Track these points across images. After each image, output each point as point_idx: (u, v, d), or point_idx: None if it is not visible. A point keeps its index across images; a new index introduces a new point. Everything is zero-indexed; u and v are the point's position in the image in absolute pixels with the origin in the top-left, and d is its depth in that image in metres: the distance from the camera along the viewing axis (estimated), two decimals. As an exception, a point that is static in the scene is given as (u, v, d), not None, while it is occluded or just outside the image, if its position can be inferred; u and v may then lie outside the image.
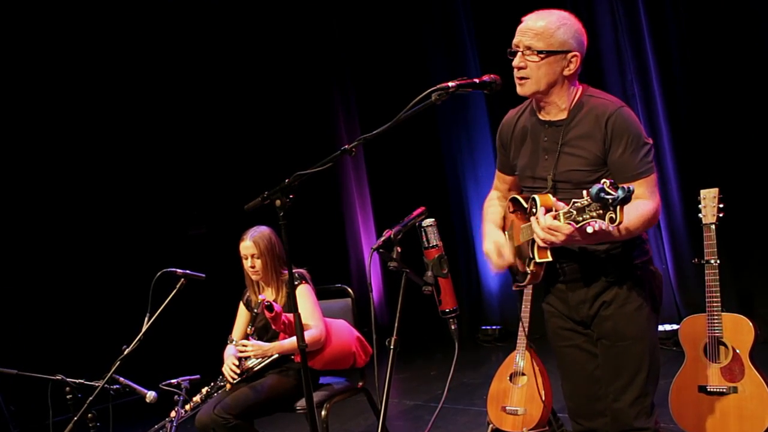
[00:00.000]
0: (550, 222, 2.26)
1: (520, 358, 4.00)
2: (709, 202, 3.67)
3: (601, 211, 2.07)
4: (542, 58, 2.49)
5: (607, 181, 2.04)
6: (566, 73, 2.53)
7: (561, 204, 2.29)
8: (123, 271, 6.95)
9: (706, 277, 3.58)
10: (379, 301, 7.53)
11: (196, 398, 3.78)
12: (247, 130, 8.00)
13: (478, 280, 7.26)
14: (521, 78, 2.53)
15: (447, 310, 2.42)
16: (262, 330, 3.85)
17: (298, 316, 2.74)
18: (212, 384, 3.84)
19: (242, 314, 4.08)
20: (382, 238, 2.30)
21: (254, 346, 3.68)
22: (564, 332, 2.78)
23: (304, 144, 7.64)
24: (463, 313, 7.24)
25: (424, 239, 2.40)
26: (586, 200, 2.11)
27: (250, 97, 7.98)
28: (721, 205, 3.64)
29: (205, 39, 7.71)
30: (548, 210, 2.31)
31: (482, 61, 6.74)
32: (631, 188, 2.03)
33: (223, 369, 3.82)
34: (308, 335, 3.61)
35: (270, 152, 7.74)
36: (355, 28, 7.80)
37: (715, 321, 3.53)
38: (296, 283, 3.80)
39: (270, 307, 3.51)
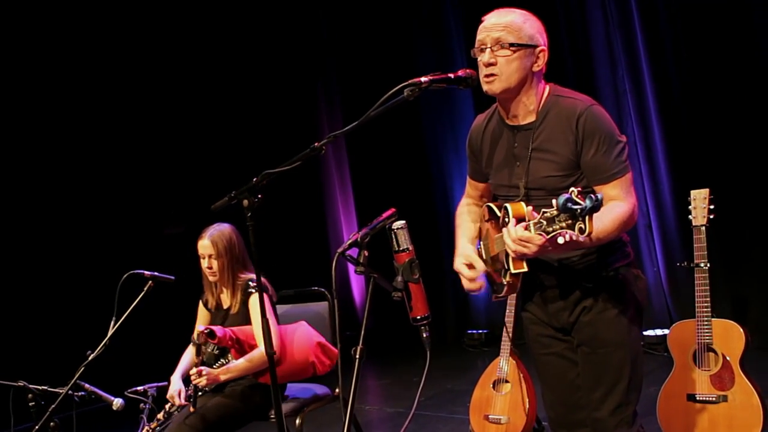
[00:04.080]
0: (521, 233, 2.15)
1: (504, 365, 3.89)
2: (699, 203, 3.59)
3: (570, 221, 1.96)
4: (513, 52, 2.40)
5: (575, 190, 1.94)
6: (535, 69, 2.45)
7: (534, 213, 2.18)
8: (90, 271, 6.69)
9: (695, 282, 3.52)
10: (361, 304, 7.40)
11: (160, 415, 3.61)
12: (227, 124, 7.79)
13: (465, 284, 7.12)
14: (490, 75, 2.43)
15: (418, 317, 2.29)
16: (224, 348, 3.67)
17: (265, 322, 2.60)
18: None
19: (202, 315, 3.88)
20: (349, 241, 2.17)
21: (208, 376, 3.43)
22: (544, 339, 2.68)
23: (286, 140, 7.48)
24: (449, 317, 7.16)
25: (395, 243, 2.28)
26: (555, 210, 2.00)
27: (231, 91, 7.78)
28: (711, 207, 3.56)
29: (183, 32, 7.50)
30: (521, 219, 2.21)
31: (469, 56, 6.59)
32: (600, 196, 1.92)
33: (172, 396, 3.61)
34: (258, 353, 3.47)
35: (251, 148, 7.55)
36: (341, 22, 7.67)
37: (705, 327, 3.46)
38: (251, 290, 3.60)
39: (212, 334, 3.34)
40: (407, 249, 2.26)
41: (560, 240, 2.03)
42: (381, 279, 2.18)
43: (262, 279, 3.57)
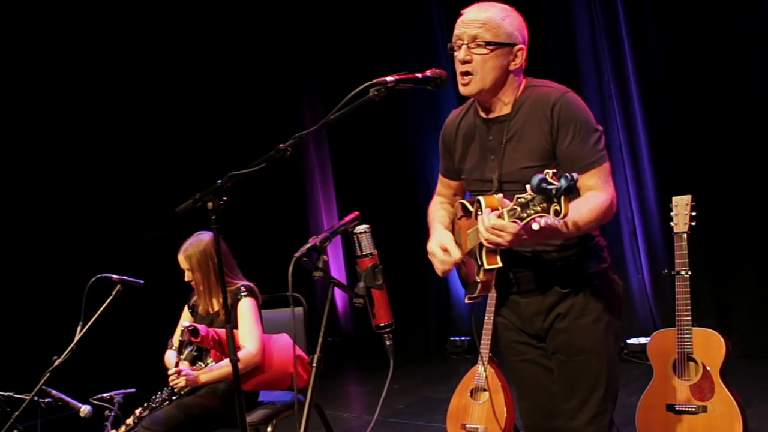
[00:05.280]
0: (495, 221, 2.08)
1: (482, 373, 3.81)
2: (681, 209, 3.53)
3: (545, 204, 1.89)
4: (491, 51, 2.34)
5: (550, 171, 1.88)
6: (512, 67, 2.39)
7: (507, 201, 2.12)
8: (57, 275, 6.40)
9: (676, 290, 3.47)
10: (343, 310, 7.30)
11: (129, 420, 3.53)
12: (210, 122, 7.61)
13: (447, 289, 7.06)
14: (465, 73, 2.37)
15: (381, 324, 2.21)
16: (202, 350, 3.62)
17: (230, 330, 2.54)
18: (145, 404, 3.58)
19: (185, 319, 3.86)
20: (307, 246, 2.09)
21: (187, 378, 3.39)
22: (518, 346, 2.61)
23: (269, 142, 7.35)
24: (432, 324, 7.07)
25: (357, 247, 2.20)
26: (529, 194, 1.94)
27: (214, 90, 7.60)
28: (694, 213, 3.49)
29: (163, 28, 7.31)
30: (494, 211, 2.13)
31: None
32: (575, 176, 1.86)
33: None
34: (241, 356, 3.38)
35: (235, 147, 7.37)
36: (326, 21, 7.57)
37: (685, 336, 3.40)
38: (240, 296, 3.60)
39: (195, 332, 3.29)
40: (370, 254, 2.19)
41: (535, 226, 1.97)
42: (341, 284, 2.10)
43: (252, 285, 3.67)
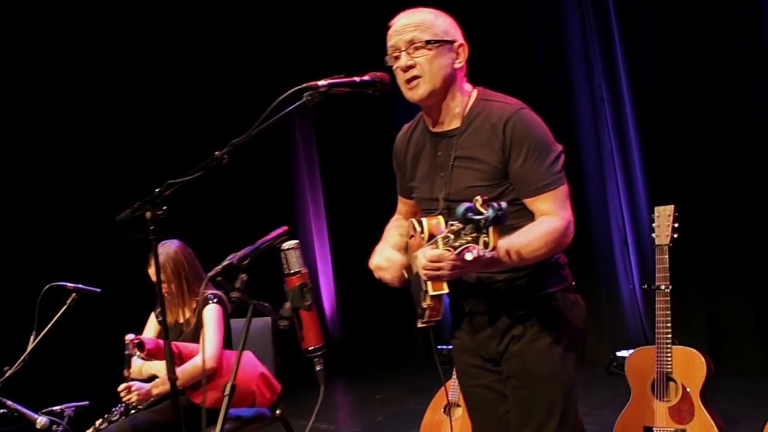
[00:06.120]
0: (430, 253, 1.94)
1: (456, 388, 3.66)
2: (663, 220, 3.39)
3: (475, 234, 1.74)
4: (431, 49, 2.20)
5: (480, 198, 1.74)
6: (457, 65, 2.26)
7: (441, 227, 1.99)
8: (9, 282, 5.81)
9: (656, 305, 3.29)
10: (331, 315, 7.15)
11: None
12: (198, 122, 7.41)
13: (434, 297, 6.88)
14: (412, 79, 2.22)
15: (311, 348, 2.05)
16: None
17: (168, 344, 2.41)
18: (105, 416, 3.48)
19: (152, 327, 3.77)
20: (223, 264, 1.93)
21: (139, 392, 3.32)
22: (472, 370, 2.49)
23: (259, 140, 7.18)
24: (419, 333, 6.88)
25: (285, 265, 2.04)
26: (460, 222, 1.79)
27: (202, 85, 7.36)
28: (676, 225, 3.31)
29: (151, 25, 7.11)
30: (434, 235, 2.00)
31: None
32: (503, 205, 1.72)
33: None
34: (192, 363, 3.34)
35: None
36: (311, 24, 7.43)
37: (665, 354, 3.24)
38: (208, 302, 3.54)
39: (141, 346, 3.20)
40: (298, 272, 2.04)
41: (468, 256, 1.82)
42: (261, 306, 1.95)
43: (221, 294, 3.57)
